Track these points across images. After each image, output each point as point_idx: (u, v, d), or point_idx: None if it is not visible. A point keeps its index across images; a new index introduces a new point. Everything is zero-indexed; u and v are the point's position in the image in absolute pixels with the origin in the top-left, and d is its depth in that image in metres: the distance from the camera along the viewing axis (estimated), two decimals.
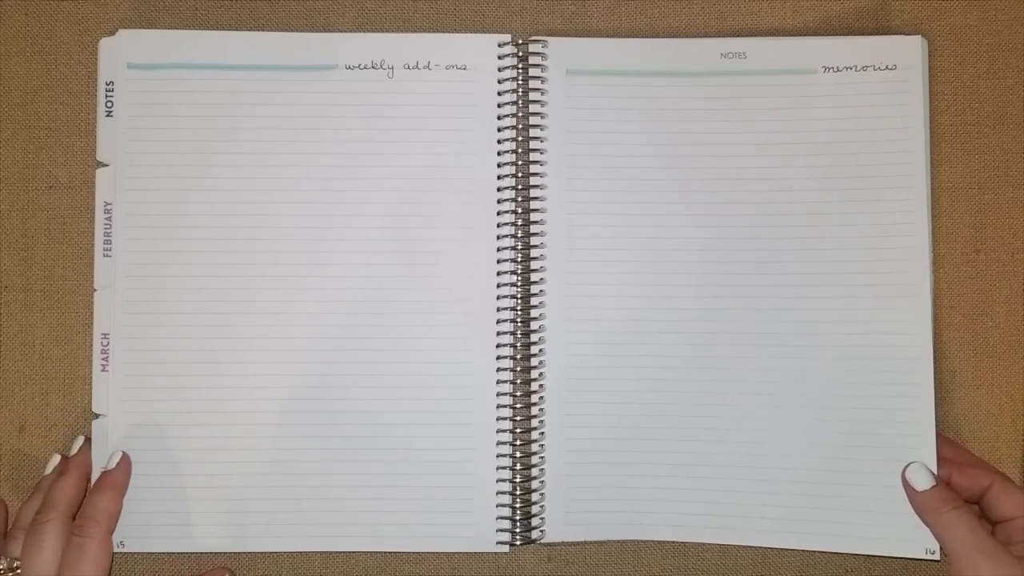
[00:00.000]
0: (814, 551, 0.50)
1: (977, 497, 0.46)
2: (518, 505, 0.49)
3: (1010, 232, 0.52)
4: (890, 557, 0.49)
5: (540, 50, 0.51)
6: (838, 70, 0.50)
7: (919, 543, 0.47)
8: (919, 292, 0.49)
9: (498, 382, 0.50)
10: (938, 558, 0.47)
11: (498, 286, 0.50)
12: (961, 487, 0.46)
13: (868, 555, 0.50)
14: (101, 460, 0.49)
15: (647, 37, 0.52)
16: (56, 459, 0.49)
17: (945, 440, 0.48)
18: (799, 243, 0.50)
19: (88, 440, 0.49)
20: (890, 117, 0.50)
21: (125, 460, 0.49)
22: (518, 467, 0.49)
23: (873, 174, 0.50)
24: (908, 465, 0.46)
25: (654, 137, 0.50)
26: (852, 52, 0.50)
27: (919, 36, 0.51)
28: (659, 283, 0.50)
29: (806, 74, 0.51)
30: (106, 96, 0.51)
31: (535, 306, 0.50)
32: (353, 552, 0.50)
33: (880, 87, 0.50)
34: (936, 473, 0.46)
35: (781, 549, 0.50)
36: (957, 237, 0.52)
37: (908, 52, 0.50)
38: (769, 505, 0.49)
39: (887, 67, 0.50)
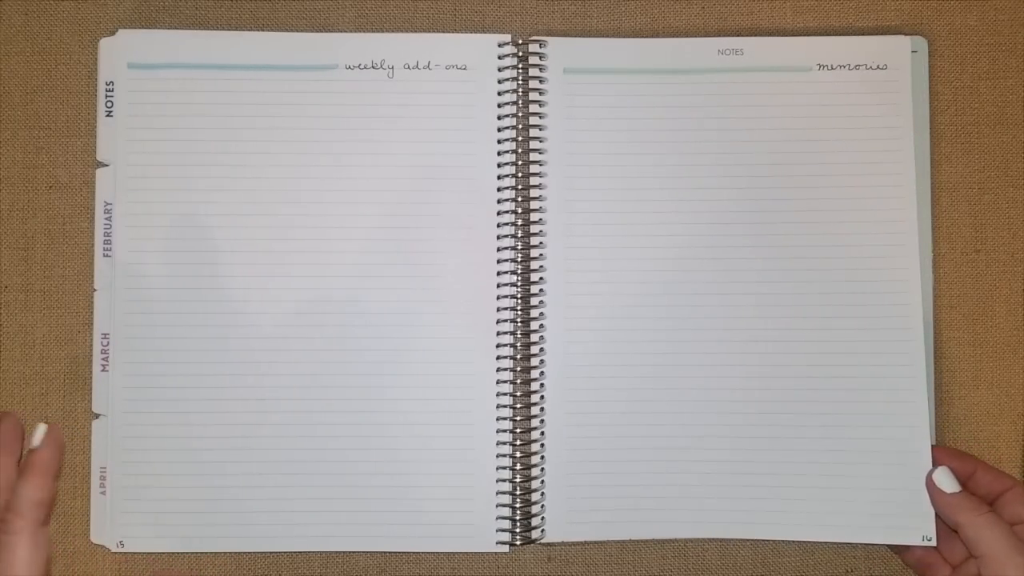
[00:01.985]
0: (814, 547, 0.50)
1: (990, 500, 0.46)
2: (518, 505, 0.49)
3: (1010, 232, 0.52)
4: (890, 557, 0.50)
5: (540, 50, 0.51)
6: (832, 68, 0.51)
7: (916, 531, 0.47)
8: (908, 289, 0.49)
9: (498, 382, 0.50)
10: (935, 544, 0.47)
11: (498, 286, 0.50)
12: (981, 489, 0.46)
13: (868, 555, 0.50)
14: (101, 460, 0.49)
15: (647, 37, 0.52)
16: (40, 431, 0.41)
17: (954, 453, 0.48)
18: (795, 239, 0.50)
19: (52, 429, 0.41)
20: (880, 117, 0.50)
21: (52, 435, 0.40)
22: (518, 467, 0.49)
23: (862, 172, 0.50)
24: (935, 470, 0.47)
25: (652, 134, 0.50)
26: (846, 51, 0.51)
27: (908, 36, 0.51)
28: (658, 281, 0.50)
29: (801, 72, 0.51)
30: (106, 96, 0.51)
31: (535, 306, 0.50)
32: (353, 552, 0.50)
33: (871, 87, 0.50)
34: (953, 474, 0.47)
35: (782, 545, 0.50)
36: (957, 237, 0.52)
37: (898, 52, 0.51)
38: (769, 498, 0.49)
39: (878, 67, 0.50)
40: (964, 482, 0.47)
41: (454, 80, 0.51)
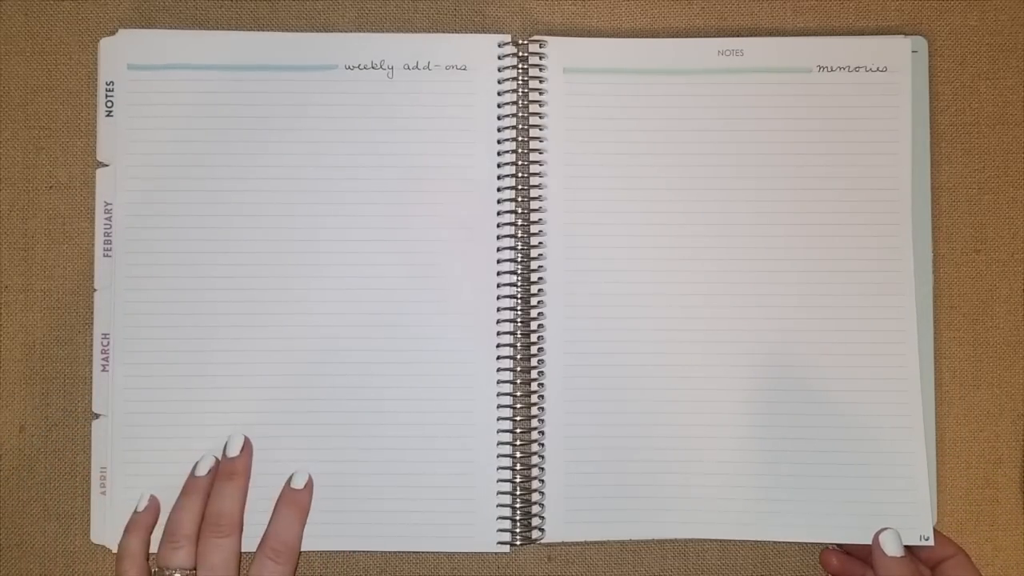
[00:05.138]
0: (814, 547, 0.50)
1: (933, 564, 0.48)
2: (518, 505, 0.49)
3: (1010, 232, 0.52)
4: None
5: (540, 50, 0.51)
6: (832, 70, 0.51)
7: (914, 531, 0.48)
8: (903, 291, 0.50)
9: (498, 382, 0.50)
10: (932, 544, 0.47)
11: (498, 286, 0.50)
12: (924, 551, 0.48)
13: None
14: (101, 460, 0.49)
15: (647, 37, 0.52)
16: (210, 461, 0.48)
17: None
18: (794, 241, 0.50)
19: (248, 442, 0.48)
20: (879, 119, 0.50)
21: (310, 482, 0.48)
22: (518, 467, 0.49)
23: (861, 175, 0.50)
24: (883, 531, 0.47)
25: (652, 135, 0.51)
26: (845, 52, 0.51)
27: (908, 37, 0.51)
28: (657, 281, 0.50)
29: (801, 72, 0.51)
30: (106, 96, 0.51)
31: (535, 306, 0.50)
32: (353, 552, 0.50)
33: (870, 88, 0.50)
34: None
35: (782, 545, 0.50)
36: (957, 237, 0.52)
37: (898, 54, 0.51)
38: (768, 499, 0.49)
39: (878, 68, 0.50)
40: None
41: (454, 80, 0.51)
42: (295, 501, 0.47)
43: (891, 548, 0.46)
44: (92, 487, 0.49)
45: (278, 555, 0.45)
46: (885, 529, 0.47)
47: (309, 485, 0.48)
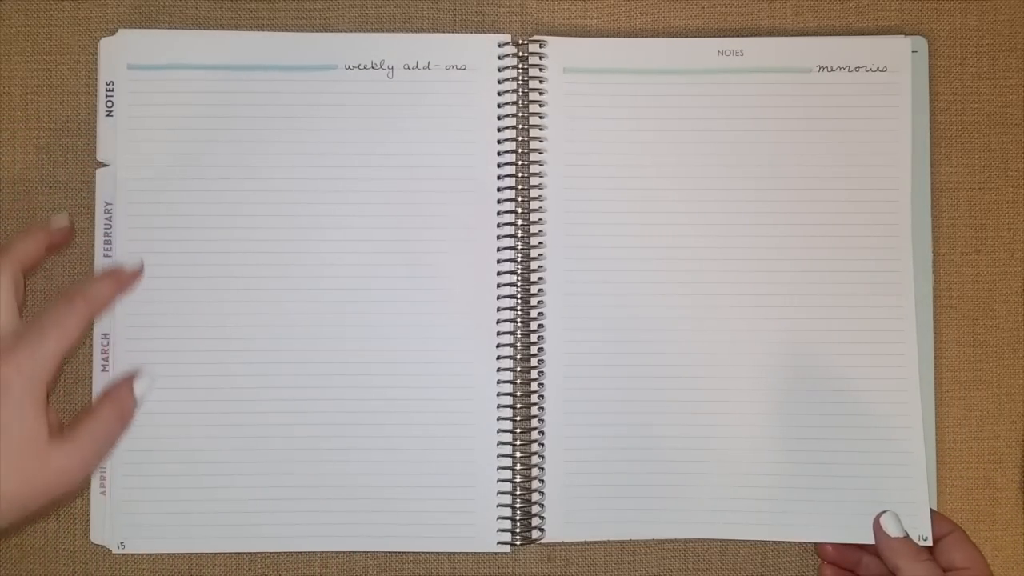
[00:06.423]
0: (814, 547, 0.50)
1: (932, 542, 0.48)
2: (518, 505, 0.49)
3: (1010, 232, 0.52)
4: None
5: (540, 50, 0.51)
6: (832, 70, 0.51)
7: (912, 531, 0.47)
8: (903, 291, 0.50)
9: (498, 382, 0.50)
10: (930, 543, 0.47)
11: (498, 286, 0.50)
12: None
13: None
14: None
15: (647, 37, 0.52)
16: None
17: None
18: (794, 241, 0.50)
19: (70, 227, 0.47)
20: (879, 119, 0.50)
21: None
22: (518, 467, 0.49)
23: (861, 175, 0.50)
24: (884, 513, 0.47)
25: (652, 135, 0.51)
26: (846, 52, 0.51)
27: (908, 37, 0.51)
28: (657, 281, 0.50)
29: (801, 72, 0.51)
30: (106, 96, 0.51)
31: (535, 306, 0.50)
32: (353, 552, 0.50)
33: (870, 88, 0.50)
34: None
35: (782, 545, 0.50)
36: (957, 237, 0.52)
37: (898, 54, 0.51)
38: (769, 498, 0.49)
39: (878, 68, 0.50)
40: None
41: (454, 80, 0.51)
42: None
43: (893, 529, 0.47)
44: (92, 487, 0.49)
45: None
46: (885, 512, 0.47)
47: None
